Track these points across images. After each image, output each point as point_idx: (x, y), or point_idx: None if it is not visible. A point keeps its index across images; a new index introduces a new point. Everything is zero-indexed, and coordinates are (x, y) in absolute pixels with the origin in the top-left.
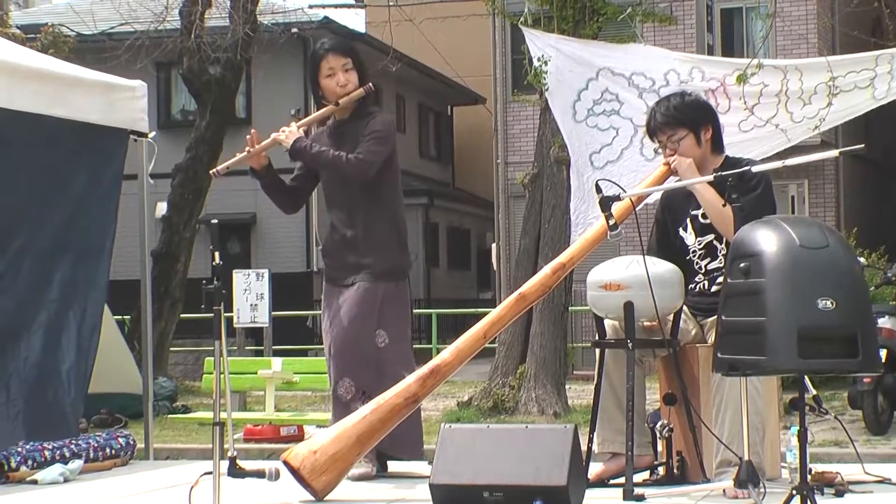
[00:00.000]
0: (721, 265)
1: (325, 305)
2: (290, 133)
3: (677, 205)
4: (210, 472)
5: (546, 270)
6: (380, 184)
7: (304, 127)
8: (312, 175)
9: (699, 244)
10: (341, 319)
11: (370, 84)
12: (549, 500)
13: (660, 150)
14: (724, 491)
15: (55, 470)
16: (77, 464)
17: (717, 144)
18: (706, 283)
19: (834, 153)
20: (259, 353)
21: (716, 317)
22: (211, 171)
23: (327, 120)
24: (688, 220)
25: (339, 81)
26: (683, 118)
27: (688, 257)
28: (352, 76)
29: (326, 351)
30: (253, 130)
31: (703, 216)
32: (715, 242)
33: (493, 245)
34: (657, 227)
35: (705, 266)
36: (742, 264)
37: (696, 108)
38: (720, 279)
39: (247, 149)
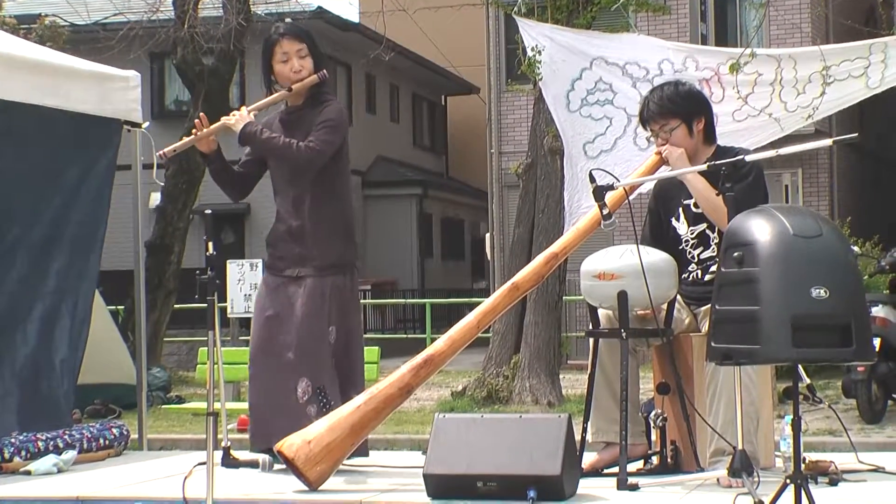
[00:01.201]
0: (714, 254)
1: (264, 294)
2: (239, 117)
3: (669, 195)
4: (204, 463)
5: (539, 260)
6: (329, 174)
7: (254, 112)
8: (261, 162)
9: (692, 233)
10: (295, 319)
11: (324, 71)
12: (543, 490)
13: (652, 139)
14: (717, 480)
15: (49, 461)
16: (71, 454)
17: (709, 135)
18: (699, 272)
19: (828, 142)
20: None
21: (709, 306)
22: (157, 154)
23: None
24: (680, 209)
25: (293, 67)
26: (676, 108)
27: (680, 247)
28: (306, 62)
29: (255, 345)
30: (201, 114)
31: (696, 205)
32: (707, 231)
33: (487, 235)
34: (650, 217)
35: (698, 255)
36: (736, 253)
37: (689, 98)
38: (713, 268)
39: (195, 132)
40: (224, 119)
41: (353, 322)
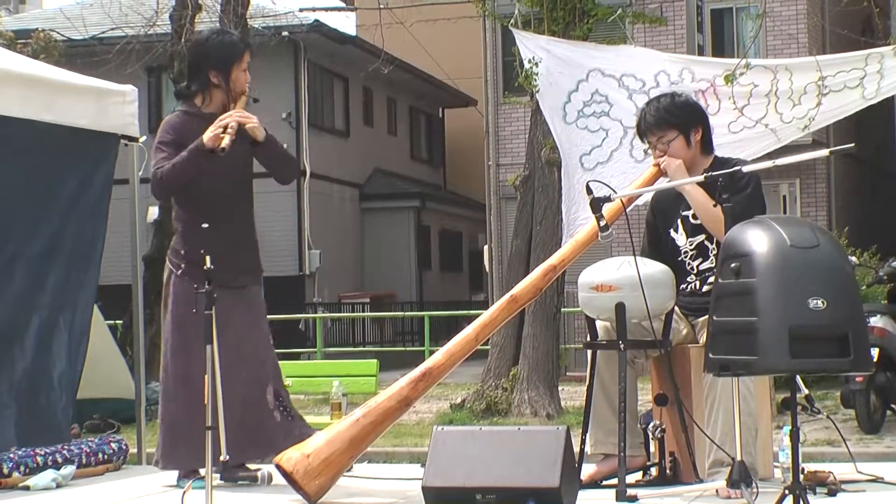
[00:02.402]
0: (712, 265)
1: (190, 305)
2: (258, 123)
3: (667, 206)
4: (202, 477)
5: (537, 272)
6: (252, 184)
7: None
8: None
9: (690, 245)
10: (255, 329)
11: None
12: (542, 502)
13: (650, 151)
14: (716, 491)
15: (47, 476)
16: (69, 469)
17: (706, 146)
18: (698, 283)
19: (824, 152)
20: None
21: (707, 316)
22: (219, 148)
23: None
24: (678, 221)
25: (248, 78)
26: (673, 119)
27: (679, 258)
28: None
29: (212, 362)
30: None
31: (694, 217)
32: (706, 243)
33: (485, 247)
34: (648, 230)
35: (697, 267)
36: (733, 264)
37: (686, 109)
38: (712, 279)
39: (230, 131)
40: (243, 120)
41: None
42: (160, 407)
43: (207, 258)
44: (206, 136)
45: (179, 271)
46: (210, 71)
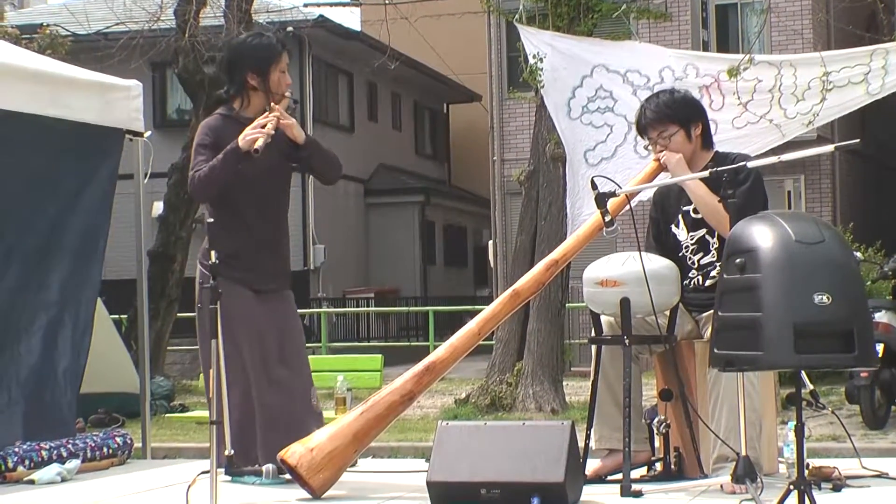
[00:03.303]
0: (713, 259)
1: (238, 315)
2: (297, 124)
3: (668, 202)
4: (207, 471)
5: (539, 267)
6: (289, 188)
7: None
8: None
9: (691, 239)
10: (296, 334)
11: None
12: (547, 497)
13: (650, 149)
14: (721, 486)
15: (52, 470)
16: (74, 463)
17: (706, 140)
18: (700, 278)
19: (829, 148)
20: None
21: (711, 312)
22: (252, 150)
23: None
24: (679, 216)
25: (288, 80)
26: (673, 114)
27: (681, 253)
28: (290, 79)
29: (259, 369)
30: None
31: (695, 211)
32: (707, 237)
33: (490, 242)
34: (652, 224)
35: (698, 261)
36: (738, 260)
37: (685, 104)
38: (713, 273)
39: (261, 133)
40: (285, 122)
41: None
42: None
43: (213, 253)
44: (242, 139)
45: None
46: (247, 73)
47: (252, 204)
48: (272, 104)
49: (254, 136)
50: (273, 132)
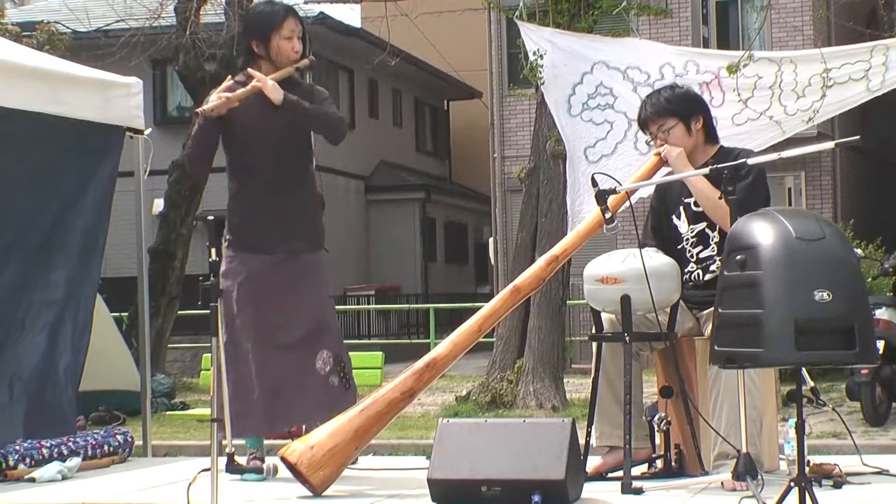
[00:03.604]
0: (713, 253)
1: (241, 273)
2: (273, 86)
3: (671, 192)
4: (208, 469)
5: (540, 263)
6: (307, 148)
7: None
8: (215, 137)
9: (692, 232)
10: (302, 295)
11: (313, 57)
12: (548, 494)
13: (652, 143)
14: (722, 483)
15: (53, 468)
16: (75, 461)
17: (709, 134)
18: (699, 271)
19: (830, 144)
20: None
21: (712, 309)
22: (199, 110)
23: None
24: (681, 207)
25: (295, 47)
26: (673, 108)
27: (680, 245)
28: (300, 45)
29: (242, 328)
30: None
31: (696, 204)
32: (707, 230)
33: (491, 239)
34: (652, 214)
35: (697, 254)
36: (738, 257)
37: (685, 98)
38: (713, 267)
39: (225, 96)
40: (254, 84)
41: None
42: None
43: (213, 251)
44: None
45: (226, 243)
46: (251, 41)
47: (264, 172)
48: (249, 70)
49: (213, 100)
50: (238, 96)
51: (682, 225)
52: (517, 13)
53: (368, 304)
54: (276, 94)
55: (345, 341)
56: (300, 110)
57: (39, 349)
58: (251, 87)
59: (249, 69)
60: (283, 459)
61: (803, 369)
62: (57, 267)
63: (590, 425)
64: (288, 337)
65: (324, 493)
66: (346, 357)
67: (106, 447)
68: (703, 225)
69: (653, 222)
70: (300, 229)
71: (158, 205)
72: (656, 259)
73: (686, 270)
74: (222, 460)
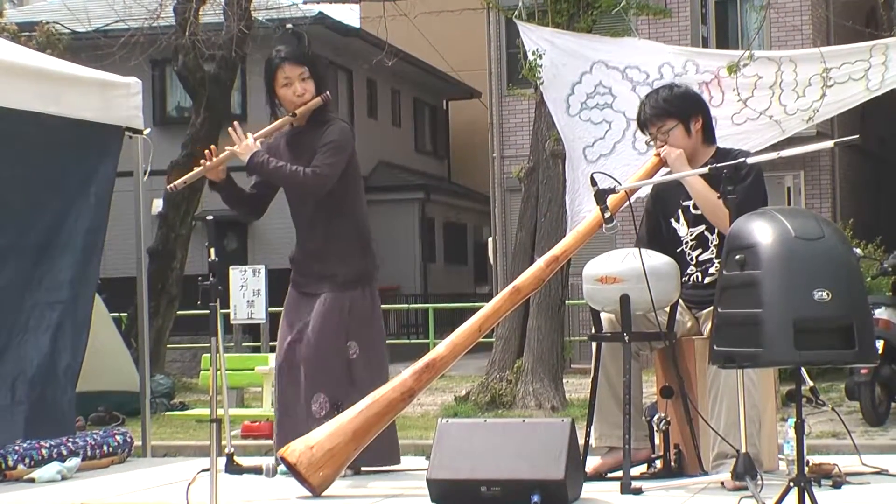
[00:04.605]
0: (712, 256)
1: (288, 310)
2: (246, 146)
3: (668, 196)
4: (207, 469)
5: (540, 263)
6: (340, 192)
7: (260, 139)
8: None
9: (691, 235)
10: (310, 334)
11: (327, 93)
12: (547, 494)
13: (651, 143)
14: (721, 483)
15: (52, 468)
16: (74, 462)
17: (708, 135)
18: (699, 274)
19: (829, 144)
20: (256, 350)
21: (711, 308)
22: (168, 186)
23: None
24: (679, 211)
25: (296, 91)
26: (672, 109)
27: (680, 249)
28: (308, 85)
29: (279, 357)
30: (212, 146)
31: (695, 207)
32: (706, 233)
33: (490, 239)
34: (647, 218)
35: (696, 257)
36: (738, 256)
37: (684, 98)
38: (712, 270)
39: (204, 163)
40: (231, 148)
41: (375, 334)
42: None
43: (212, 251)
44: None
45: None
46: (268, 94)
47: (302, 217)
48: (230, 127)
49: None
50: (217, 162)
51: (682, 228)
52: (516, 13)
53: None
54: (244, 156)
55: None
56: (264, 173)
57: (42, 350)
58: (228, 151)
59: (233, 125)
60: (283, 459)
61: (802, 369)
62: (62, 268)
63: (589, 425)
64: (293, 374)
65: (323, 494)
66: (347, 402)
67: (105, 447)
68: (702, 228)
69: (648, 226)
70: (326, 270)
71: (158, 205)
72: (655, 259)
73: (686, 273)
74: (222, 461)
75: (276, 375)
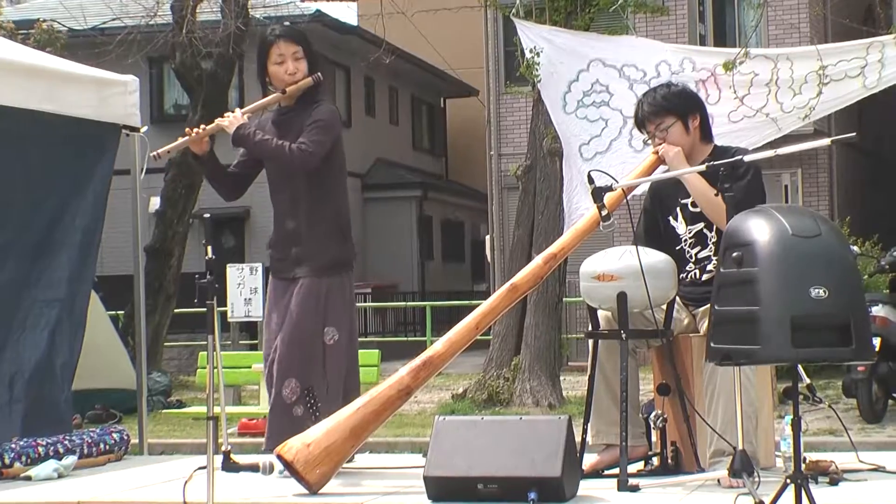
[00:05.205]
0: (711, 253)
1: (271, 300)
2: (233, 119)
3: (667, 194)
4: (204, 467)
5: (538, 261)
6: (322, 174)
7: (248, 114)
8: (255, 162)
9: (689, 233)
10: (288, 318)
11: (319, 74)
12: (544, 492)
13: (649, 142)
14: (718, 480)
15: (49, 466)
16: (71, 459)
17: (705, 133)
18: (697, 271)
19: (826, 141)
20: (253, 348)
21: (708, 306)
22: (151, 154)
23: (272, 106)
24: (678, 209)
25: (288, 69)
26: (671, 106)
27: (679, 246)
28: (301, 65)
29: (267, 346)
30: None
31: (693, 205)
32: (705, 231)
33: (487, 237)
34: (645, 216)
35: (695, 255)
36: (735, 254)
37: (682, 96)
38: (710, 267)
39: (190, 132)
40: (218, 120)
41: (352, 322)
42: None
43: (209, 248)
44: None
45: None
46: (258, 70)
47: (283, 197)
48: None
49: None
50: (202, 134)
51: (680, 226)
52: (514, 11)
53: (365, 301)
54: (231, 128)
55: None
56: (249, 145)
57: (40, 348)
58: (215, 123)
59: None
60: (280, 457)
61: (799, 366)
62: (59, 266)
63: (586, 423)
64: (273, 361)
65: (320, 491)
66: (319, 388)
67: (102, 445)
68: (700, 225)
69: (645, 224)
70: (304, 254)
71: (155, 203)
72: (652, 256)
73: (685, 270)
74: (218, 458)
75: (266, 373)
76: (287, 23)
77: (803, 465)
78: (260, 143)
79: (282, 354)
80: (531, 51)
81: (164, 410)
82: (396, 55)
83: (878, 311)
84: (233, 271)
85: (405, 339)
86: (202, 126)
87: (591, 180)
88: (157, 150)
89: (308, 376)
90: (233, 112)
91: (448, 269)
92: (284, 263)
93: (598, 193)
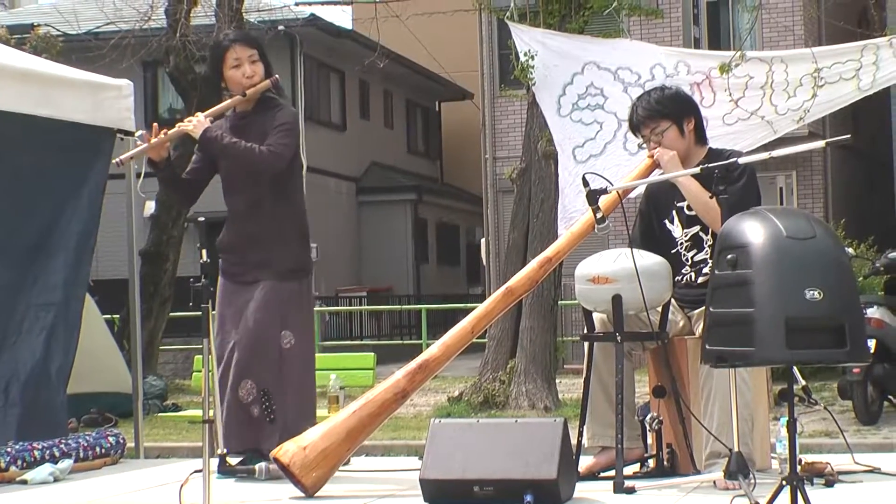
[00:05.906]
0: (707, 256)
1: (222, 303)
2: (197, 123)
3: (662, 197)
4: (200, 471)
5: (533, 264)
6: (286, 178)
7: (210, 117)
8: (208, 168)
9: (685, 236)
10: (247, 320)
11: (276, 76)
12: (540, 494)
13: (644, 146)
14: (714, 482)
15: (45, 470)
16: (67, 463)
17: (700, 136)
18: (693, 274)
19: (820, 143)
20: None
21: (703, 308)
22: (114, 160)
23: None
24: (674, 212)
25: (246, 72)
26: (665, 110)
27: (674, 249)
28: (258, 67)
29: (220, 349)
30: (154, 124)
31: (689, 208)
32: (701, 234)
33: (482, 240)
34: (641, 219)
35: (692, 258)
36: (729, 256)
37: (676, 99)
38: (706, 270)
39: (149, 139)
40: (181, 125)
41: (308, 327)
42: None
43: (204, 252)
44: None
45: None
46: (215, 77)
47: (242, 200)
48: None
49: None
50: (167, 138)
51: (676, 229)
52: (508, 14)
53: (360, 305)
54: (196, 132)
55: (337, 342)
56: (217, 147)
57: (36, 352)
58: (178, 128)
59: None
60: (276, 460)
61: (794, 368)
62: (54, 270)
63: (582, 425)
64: (231, 362)
65: (316, 494)
66: (275, 390)
67: (98, 449)
68: (696, 228)
69: (641, 227)
70: (264, 258)
71: (150, 207)
72: (647, 258)
73: (681, 273)
74: (214, 462)
75: (220, 375)
76: (281, 28)
77: (799, 467)
78: (229, 145)
79: (240, 357)
80: (525, 54)
81: (160, 414)
82: (391, 59)
83: (873, 312)
84: None
85: (400, 342)
86: (164, 131)
87: (585, 183)
88: (120, 157)
89: (264, 379)
90: (195, 116)
91: (443, 273)
92: (243, 267)
93: (592, 196)
